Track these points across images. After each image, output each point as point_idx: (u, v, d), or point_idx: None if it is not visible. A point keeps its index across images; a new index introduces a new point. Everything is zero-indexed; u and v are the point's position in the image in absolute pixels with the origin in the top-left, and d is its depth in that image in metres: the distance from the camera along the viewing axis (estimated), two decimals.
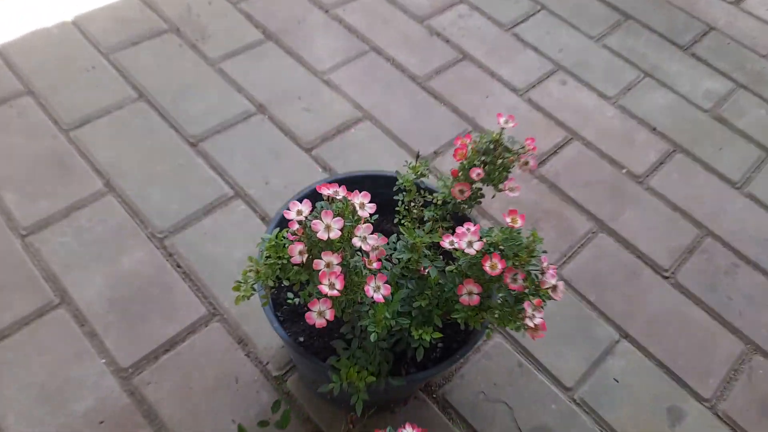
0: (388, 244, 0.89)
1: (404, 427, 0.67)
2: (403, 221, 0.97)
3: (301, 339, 0.92)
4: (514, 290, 0.74)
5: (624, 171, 1.49)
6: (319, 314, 0.69)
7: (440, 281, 0.79)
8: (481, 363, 1.14)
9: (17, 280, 1.14)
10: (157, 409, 1.02)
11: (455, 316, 0.76)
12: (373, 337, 0.68)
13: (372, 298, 0.69)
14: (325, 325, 0.68)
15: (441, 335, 0.74)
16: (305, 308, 0.72)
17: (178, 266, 1.19)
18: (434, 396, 1.09)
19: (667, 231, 1.38)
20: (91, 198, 1.27)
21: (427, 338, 0.73)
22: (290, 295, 0.93)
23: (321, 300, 0.68)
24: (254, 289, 0.72)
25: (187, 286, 1.17)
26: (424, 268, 0.85)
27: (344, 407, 1.03)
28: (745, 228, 1.41)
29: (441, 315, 0.78)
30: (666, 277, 1.31)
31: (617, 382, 1.15)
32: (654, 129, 1.58)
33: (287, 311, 0.93)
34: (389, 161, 1.42)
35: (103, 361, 1.07)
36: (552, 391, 1.12)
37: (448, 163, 1.44)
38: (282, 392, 1.05)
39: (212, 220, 1.27)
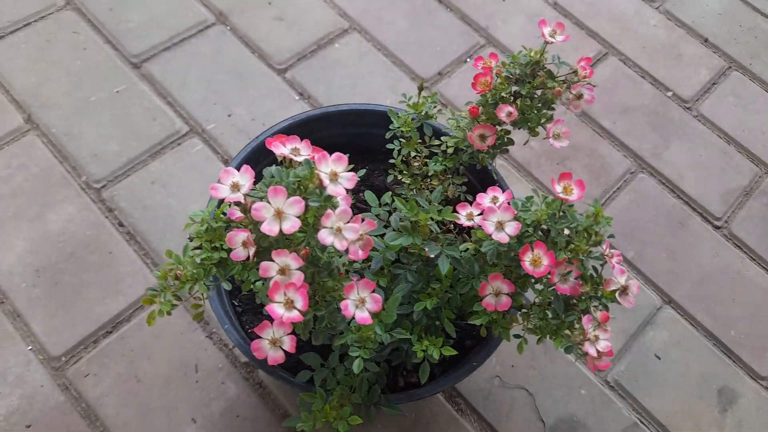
0: (378, 215, 0.68)
1: None
2: (400, 178, 0.75)
3: None
4: (565, 294, 0.54)
5: (669, 94, 1.25)
6: (272, 344, 0.49)
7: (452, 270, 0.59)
8: (498, 351, 0.96)
9: None
10: (98, 407, 0.85)
11: (474, 321, 0.56)
12: (357, 366, 0.49)
13: (354, 317, 0.48)
14: (282, 360, 0.48)
15: (455, 352, 0.55)
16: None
17: (120, 225, 0.98)
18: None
19: (719, 169, 1.17)
20: (7, 137, 1.04)
21: (436, 355, 0.53)
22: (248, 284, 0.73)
23: (274, 323, 0.48)
24: (178, 300, 0.52)
25: (132, 250, 0.96)
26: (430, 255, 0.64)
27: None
28: None
29: (453, 318, 0.58)
30: (718, 227, 1.11)
31: (659, 359, 0.98)
32: (706, 40, 1.33)
33: (248, 298, 0.73)
34: (382, 85, 1.17)
35: (30, 348, 0.88)
36: (581, 373, 0.95)
37: (457, 88, 1.19)
38: (252, 382, 0.88)
39: (161, 164, 1.04)
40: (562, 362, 0.96)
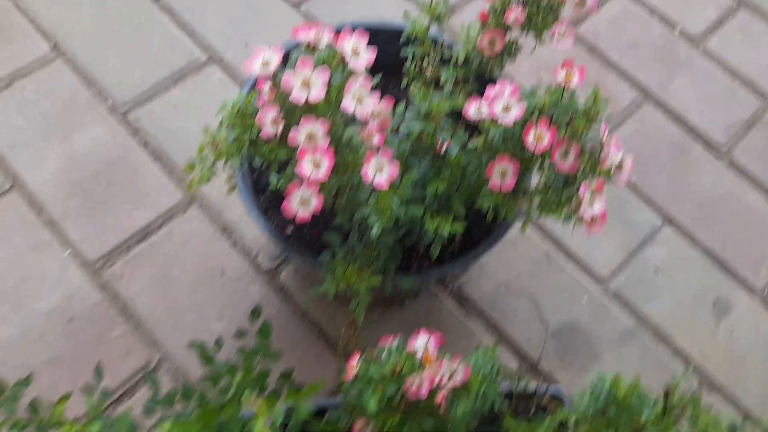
0: (394, 110, 0.77)
1: (417, 333, 0.58)
2: (413, 83, 0.84)
3: (290, 230, 0.82)
4: (564, 171, 0.63)
5: (677, 31, 1.32)
6: (302, 203, 0.58)
7: (462, 160, 0.68)
8: (504, 252, 1.06)
9: None
10: (133, 305, 0.95)
11: (482, 203, 0.65)
12: (375, 231, 0.58)
13: (372, 182, 0.57)
14: (309, 219, 0.58)
15: (463, 229, 0.64)
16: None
17: (145, 145, 1.08)
18: (449, 288, 1.02)
19: (724, 102, 1.25)
20: (36, 64, 1.13)
21: (446, 231, 0.63)
22: (274, 176, 0.83)
23: (303, 184, 0.57)
24: (214, 171, 0.61)
25: (157, 168, 1.06)
26: (442, 144, 0.74)
27: (347, 302, 0.96)
28: None
29: (462, 204, 0.67)
30: (720, 156, 1.20)
31: (658, 272, 1.07)
32: None
33: (270, 197, 0.82)
34: (396, 18, 1.25)
35: (67, 253, 0.98)
36: (583, 283, 1.05)
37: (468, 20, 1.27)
38: (275, 287, 0.98)
39: (183, 90, 1.13)
40: (564, 273, 1.05)
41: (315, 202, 0.60)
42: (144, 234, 1.01)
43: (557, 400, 0.78)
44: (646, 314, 1.03)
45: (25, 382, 0.57)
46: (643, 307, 1.04)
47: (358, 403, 0.55)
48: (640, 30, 1.32)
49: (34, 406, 0.56)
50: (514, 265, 1.05)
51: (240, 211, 1.04)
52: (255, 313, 0.64)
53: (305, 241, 0.81)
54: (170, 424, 0.48)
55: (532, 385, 0.75)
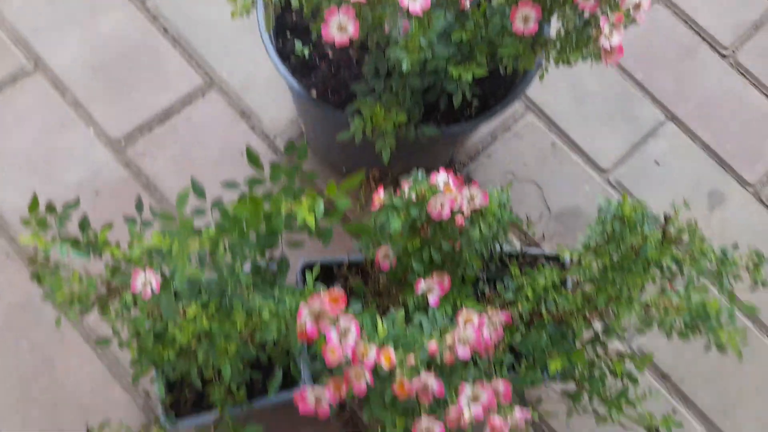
0: None
1: (437, 172, 0.63)
2: None
3: (313, 94, 0.85)
4: (586, 9, 0.66)
5: None
6: (339, 29, 0.61)
7: (486, 10, 0.70)
8: (512, 142, 1.10)
9: None
10: (156, 181, 1.00)
11: (504, 52, 0.68)
12: (405, 66, 0.62)
13: (407, 8, 0.60)
14: (347, 43, 0.61)
15: (485, 73, 0.67)
16: (316, 59, 0.63)
17: (165, 31, 1.10)
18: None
19: (733, 3, 1.27)
20: None
21: (468, 77, 0.66)
22: (298, 44, 0.86)
23: (341, 8, 0.60)
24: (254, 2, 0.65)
25: (178, 53, 1.09)
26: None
27: (362, 184, 1.01)
28: None
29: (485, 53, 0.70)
30: (724, 56, 1.22)
31: (658, 164, 1.12)
32: None
33: (295, 64, 0.85)
34: None
35: (92, 131, 1.02)
36: (586, 172, 1.10)
37: None
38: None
39: None
40: (569, 163, 1.10)
41: (351, 28, 0.62)
42: (165, 116, 1.05)
43: (559, 263, 0.84)
44: (644, 200, 1.08)
45: (75, 204, 0.62)
46: (642, 196, 1.09)
47: (383, 229, 0.60)
48: None
49: (83, 225, 0.61)
50: (521, 154, 1.10)
51: (258, 96, 1.07)
52: (289, 146, 0.67)
53: (329, 103, 0.83)
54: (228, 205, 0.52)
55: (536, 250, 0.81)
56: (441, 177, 0.61)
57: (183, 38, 1.10)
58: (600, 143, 1.12)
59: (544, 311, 0.66)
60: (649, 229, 0.58)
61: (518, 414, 0.50)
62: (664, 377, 1.00)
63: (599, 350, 0.65)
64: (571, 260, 0.68)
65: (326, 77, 0.81)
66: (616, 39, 0.65)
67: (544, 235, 1.04)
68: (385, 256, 0.63)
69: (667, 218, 0.60)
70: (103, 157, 1.01)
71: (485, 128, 1.10)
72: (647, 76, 1.19)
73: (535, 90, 1.15)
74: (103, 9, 1.10)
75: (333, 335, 0.47)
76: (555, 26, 0.73)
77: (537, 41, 0.69)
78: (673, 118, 1.16)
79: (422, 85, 0.70)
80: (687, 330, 0.53)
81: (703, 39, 1.23)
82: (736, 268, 0.57)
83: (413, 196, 0.58)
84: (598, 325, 0.68)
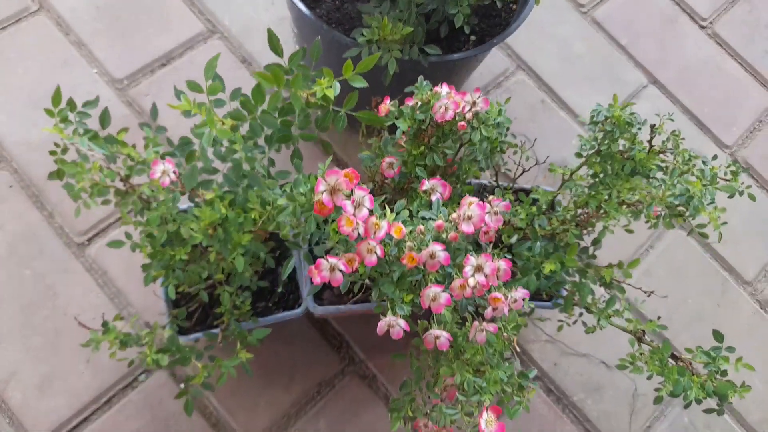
0: None
1: (440, 86, 0.66)
2: None
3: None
4: None
5: None
6: None
7: None
8: (503, 98, 1.15)
9: None
10: (159, 120, 1.02)
11: None
12: None
13: None
14: None
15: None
16: None
17: None
18: None
19: None
20: None
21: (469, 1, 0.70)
22: None
23: None
24: None
25: (180, 1, 1.11)
26: None
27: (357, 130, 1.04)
28: None
29: None
30: (703, 27, 1.29)
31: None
32: None
33: None
34: None
35: (95, 70, 1.04)
36: (573, 128, 1.15)
37: None
38: None
39: None
40: (557, 119, 1.15)
41: None
42: (167, 59, 1.07)
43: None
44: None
45: (94, 101, 0.65)
46: None
47: (386, 144, 0.64)
48: None
49: (103, 117, 0.64)
50: (513, 109, 1.14)
51: (259, 43, 1.10)
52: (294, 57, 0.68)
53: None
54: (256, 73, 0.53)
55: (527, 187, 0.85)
56: (444, 88, 0.65)
57: None
58: (586, 101, 1.17)
59: (537, 227, 0.70)
60: (636, 130, 0.62)
61: (518, 293, 0.53)
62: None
63: (588, 260, 0.70)
64: (563, 178, 0.72)
65: (331, 10, 0.85)
66: None
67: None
68: (389, 165, 0.66)
69: (653, 127, 0.65)
70: (106, 94, 1.03)
71: (478, 82, 1.15)
72: (631, 42, 1.24)
73: (525, 50, 1.20)
74: None
75: (348, 206, 0.50)
76: None
77: None
78: (655, 82, 1.22)
79: (426, 5, 0.74)
80: (672, 215, 0.57)
81: (683, 10, 1.30)
82: (716, 175, 0.62)
83: (418, 103, 0.62)
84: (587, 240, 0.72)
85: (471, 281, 0.50)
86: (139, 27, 1.08)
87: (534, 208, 0.72)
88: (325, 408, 0.92)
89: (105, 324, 0.62)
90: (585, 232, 0.71)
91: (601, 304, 0.71)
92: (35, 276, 0.92)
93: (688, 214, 0.57)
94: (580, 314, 0.74)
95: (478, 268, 0.51)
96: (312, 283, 0.53)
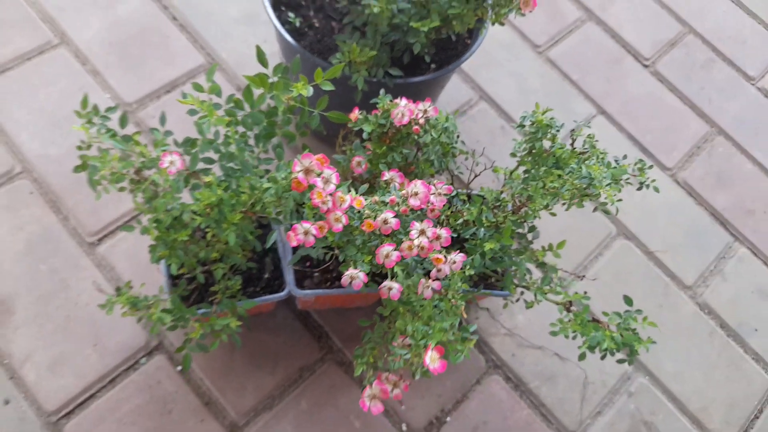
0: None
1: (399, 99, 0.81)
2: None
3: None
4: None
5: None
6: None
7: None
8: (467, 123, 1.30)
9: (15, 18, 1.22)
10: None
11: (451, 12, 0.88)
12: (376, 9, 0.81)
13: None
14: None
15: (439, 24, 0.86)
16: (305, 28, 0.80)
17: (174, 18, 1.28)
18: None
19: (652, 25, 1.52)
20: None
21: (426, 27, 0.85)
22: (291, 15, 1.05)
23: None
24: None
25: (184, 37, 1.27)
26: None
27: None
28: (725, 29, 1.55)
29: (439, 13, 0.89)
30: (646, 66, 1.46)
31: None
32: None
33: (289, 31, 1.03)
34: None
35: (108, 95, 1.18)
36: None
37: None
38: None
39: None
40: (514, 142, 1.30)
41: None
42: (172, 86, 1.22)
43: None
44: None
45: (115, 107, 0.78)
46: None
47: (357, 147, 0.78)
48: None
49: (122, 120, 0.77)
50: (476, 133, 1.29)
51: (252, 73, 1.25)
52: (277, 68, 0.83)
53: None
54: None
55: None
56: (402, 101, 0.79)
57: (189, 24, 1.28)
58: None
59: (483, 218, 0.83)
60: (556, 131, 0.77)
61: (457, 255, 0.66)
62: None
63: (525, 244, 0.83)
64: (505, 176, 0.86)
65: (313, 42, 1.00)
66: None
67: None
68: (357, 163, 0.80)
69: (572, 132, 0.79)
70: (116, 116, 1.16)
71: (446, 109, 1.30)
72: (581, 78, 1.41)
73: (487, 83, 1.36)
74: None
75: (319, 182, 0.63)
76: None
77: (478, 4, 0.89)
78: (603, 112, 1.38)
79: (389, 36, 0.89)
80: (581, 195, 0.71)
81: (628, 52, 1.47)
82: (625, 170, 0.76)
83: (381, 110, 0.76)
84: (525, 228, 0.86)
85: (416, 241, 0.63)
86: (147, 59, 1.23)
87: (484, 207, 0.86)
88: (305, 391, 1.02)
89: (118, 289, 0.74)
90: (524, 221, 0.85)
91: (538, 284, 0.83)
92: (50, 271, 1.03)
93: (591, 192, 0.71)
94: (522, 293, 0.86)
95: (422, 232, 0.64)
96: (293, 252, 0.65)
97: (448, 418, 1.04)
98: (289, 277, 0.91)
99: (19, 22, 1.22)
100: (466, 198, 0.92)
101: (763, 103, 1.47)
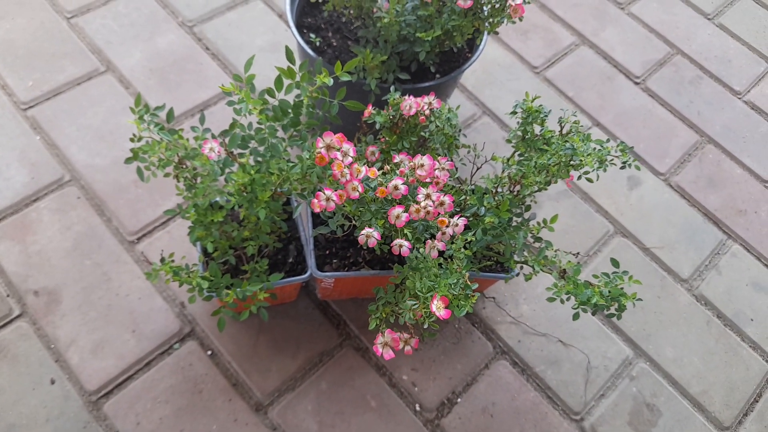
0: None
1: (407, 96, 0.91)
2: None
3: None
4: None
5: None
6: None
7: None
8: (471, 134, 1.40)
9: (67, 50, 1.36)
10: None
11: (451, 24, 0.99)
12: (386, 20, 0.92)
13: None
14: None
15: (441, 34, 0.97)
16: (324, 46, 0.92)
17: (207, 49, 1.42)
18: None
19: (642, 47, 1.62)
20: None
21: (431, 37, 0.96)
22: (312, 35, 1.17)
23: None
24: None
25: (216, 65, 1.40)
26: None
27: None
28: (712, 49, 1.65)
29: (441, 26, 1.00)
30: (637, 83, 1.56)
31: None
32: None
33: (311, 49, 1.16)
34: None
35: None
36: None
37: None
38: None
39: (235, 14, 1.48)
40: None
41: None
42: (205, 106, 1.34)
43: None
44: (576, 182, 1.37)
45: (162, 106, 0.89)
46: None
47: (371, 138, 0.87)
48: None
49: (169, 115, 0.88)
50: (479, 144, 1.39)
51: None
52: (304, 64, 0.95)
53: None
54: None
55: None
56: (411, 98, 0.89)
57: (221, 54, 1.41)
58: None
59: (485, 203, 0.92)
60: (544, 116, 0.86)
61: (459, 219, 0.74)
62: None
63: (521, 220, 0.91)
64: (503, 164, 0.95)
65: (332, 59, 1.12)
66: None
67: None
68: (372, 153, 0.89)
69: (561, 119, 0.88)
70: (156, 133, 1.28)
71: None
72: (576, 94, 1.51)
73: (489, 100, 1.47)
74: (161, 32, 1.42)
75: (339, 155, 0.72)
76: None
77: (475, 16, 1.00)
78: (597, 124, 1.47)
79: (398, 46, 1.00)
80: (565, 166, 0.79)
81: (620, 71, 1.57)
82: (609, 151, 0.84)
83: (392, 104, 0.86)
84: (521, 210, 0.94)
85: (423, 204, 0.72)
86: (182, 83, 1.36)
87: (486, 195, 0.95)
88: (325, 373, 1.09)
89: (162, 259, 0.83)
90: (522, 202, 0.93)
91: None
92: (94, 265, 1.13)
93: (575, 162, 0.79)
94: (521, 267, 0.93)
95: (427, 196, 0.73)
96: (313, 227, 0.73)
97: (459, 399, 1.10)
98: (311, 261, 0.99)
99: (70, 53, 1.36)
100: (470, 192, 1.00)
101: (750, 114, 1.56)
